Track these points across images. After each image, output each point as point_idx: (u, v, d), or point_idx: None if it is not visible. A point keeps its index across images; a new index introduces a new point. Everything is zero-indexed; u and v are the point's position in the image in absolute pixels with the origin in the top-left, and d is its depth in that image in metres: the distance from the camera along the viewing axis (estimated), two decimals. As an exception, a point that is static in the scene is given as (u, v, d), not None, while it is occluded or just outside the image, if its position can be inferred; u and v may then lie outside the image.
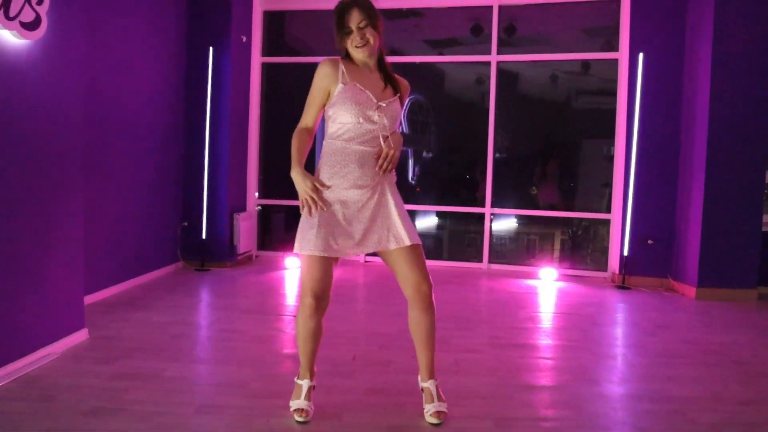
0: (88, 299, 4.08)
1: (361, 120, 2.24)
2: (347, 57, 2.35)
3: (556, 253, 6.34)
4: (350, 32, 2.26)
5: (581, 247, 6.25)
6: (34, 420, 2.30)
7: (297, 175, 2.25)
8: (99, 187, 4.29)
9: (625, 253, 5.46)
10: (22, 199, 2.79)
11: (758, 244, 4.98)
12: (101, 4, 4.25)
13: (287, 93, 6.83)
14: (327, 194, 2.27)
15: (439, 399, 2.37)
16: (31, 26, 2.69)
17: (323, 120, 2.41)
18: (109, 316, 3.83)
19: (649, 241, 5.45)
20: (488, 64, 6.03)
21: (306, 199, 2.25)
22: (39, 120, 2.89)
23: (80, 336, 3.27)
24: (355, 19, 2.22)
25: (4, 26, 2.53)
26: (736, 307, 4.68)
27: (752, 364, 3.26)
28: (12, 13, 2.55)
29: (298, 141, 2.30)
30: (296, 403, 2.34)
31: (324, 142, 2.39)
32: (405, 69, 6.38)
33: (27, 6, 2.64)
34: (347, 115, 2.25)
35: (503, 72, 6.15)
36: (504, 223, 6.41)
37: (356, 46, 2.26)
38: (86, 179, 3.83)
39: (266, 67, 6.49)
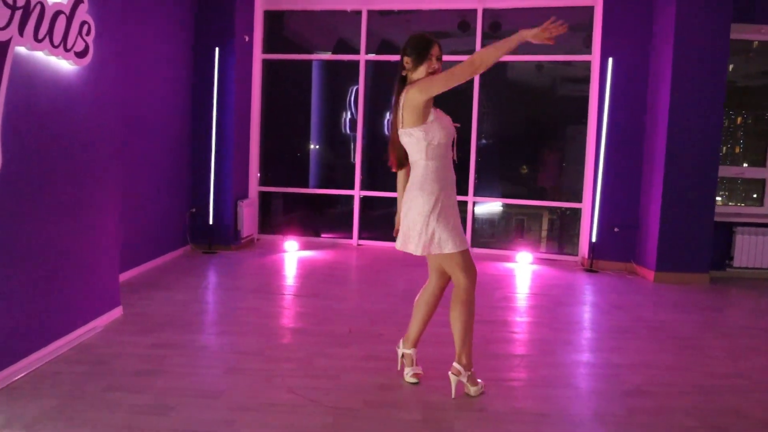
0: (117, 280, 4.63)
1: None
2: (402, 81, 2.81)
3: (544, 234, 6.92)
4: (430, 59, 2.75)
5: (569, 228, 6.79)
6: (97, 378, 2.86)
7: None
8: (123, 181, 4.81)
9: (594, 239, 6.06)
10: (70, 196, 3.31)
11: (711, 232, 5.58)
12: (123, 21, 4.71)
13: (285, 87, 7.34)
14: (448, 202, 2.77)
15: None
16: (81, 54, 3.20)
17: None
18: (136, 294, 4.38)
19: (615, 229, 6.05)
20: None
21: None
22: (87, 129, 3.41)
23: (117, 312, 3.83)
24: (436, 51, 2.78)
25: (64, 57, 3.04)
26: (688, 290, 5.29)
27: (687, 338, 3.88)
28: (69, 45, 3.06)
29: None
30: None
31: (426, 163, 2.73)
32: (395, 62, 6.89)
33: (79, 37, 3.14)
34: (442, 136, 2.74)
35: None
36: (489, 206, 6.97)
37: (432, 71, 2.76)
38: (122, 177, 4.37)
39: (266, 64, 6.97)
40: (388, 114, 7.09)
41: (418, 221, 2.70)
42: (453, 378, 2.79)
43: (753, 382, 3.13)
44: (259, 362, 3.16)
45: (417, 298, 3.00)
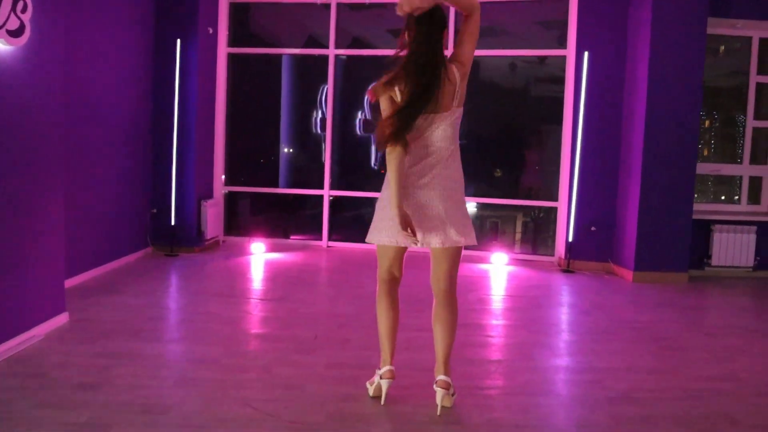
0: (66, 284, 4.31)
1: None
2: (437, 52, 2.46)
3: (518, 236, 6.75)
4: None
5: (543, 230, 6.62)
6: (28, 394, 2.57)
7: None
8: (73, 177, 4.49)
9: (570, 238, 5.90)
10: (6, 191, 3.01)
11: (689, 230, 5.46)
12: (74, 4, 4.41)
13: (254, 84, 7.05)
14: None
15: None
16: (16, 33, 2.90)
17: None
18: (87, 300, 4.07)
19: (592, 228, 5.89)
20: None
21: None
22: (23, 118, 3.11)
23: (62, 319, 3.52)
24: None
25: (-7, 35, 2.74)
26: (667, 289, 5.15)
27: (667, 339, 3.71)
28: (0, 22, 2.76)
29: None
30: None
31: (456, 148, 2.54)
32: (369, 59, 6.67)
33: (12, 14, 2.85)
34: None
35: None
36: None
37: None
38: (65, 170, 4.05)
39: (232, 58, 6.68)
40: (360, 113, 6.86)
41: (464, 209, 2.52)
42: (441, 392, 2.49)
43: (742, 385, 2.96)
44: (214, 372, 2.90)
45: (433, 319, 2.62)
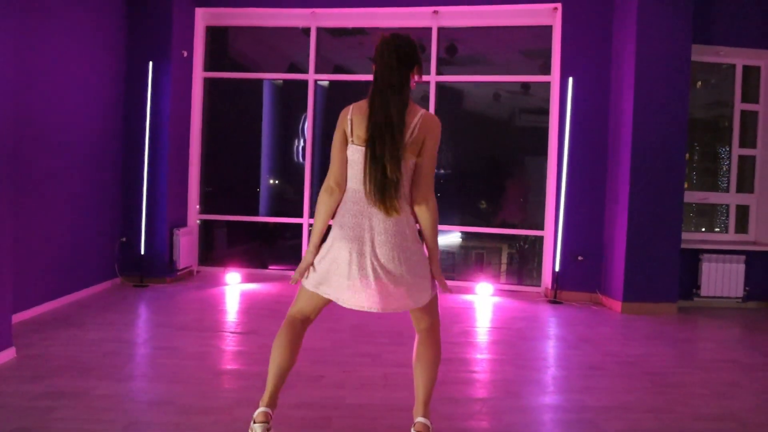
0: (17, 317, 4.01)
1: None
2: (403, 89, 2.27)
3: (503, 268, 6.55)
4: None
5: (528, 261, 6.44)
6: (-46, 442, 2.28)
7: None
8: (30, 203, 4.23)
9: (557, 268, 5.70)
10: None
11: (678, 260, 5.29)
12: (32, 12, 4.21)
13: (233, 111, 6.86)
14: None
15: None
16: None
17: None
18: (39, 334, 3.77)
19: (579, 258, 5.71)
20: (428, 83, 6.22)
21: None
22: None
23: (7, 355, 3.22)
24: None
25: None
26: (657, 321, 4.95)
27: (662, 374, 3.48)
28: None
29: None
30: None
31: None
32: (351, 86, 6.53)
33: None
34: None
35: (447, 89, 6.35)
36: (448, 238, 6.58)
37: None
38: (16, 194, 3.78)
39: (209, 82, 6.50)
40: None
41: (422, 266, 2.23)
42: None
43: (744, 426, 2.74)
44: (167, 414, 2.61)
45: (414, 359, 2.38)
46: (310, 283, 2.28)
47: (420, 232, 2.28)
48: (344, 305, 2.21)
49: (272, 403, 2.27)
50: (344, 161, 2.24)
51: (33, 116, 4.23)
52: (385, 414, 2.68)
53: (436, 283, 2.31)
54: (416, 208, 2.23)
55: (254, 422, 2.22)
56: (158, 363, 3.37)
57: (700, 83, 6.09)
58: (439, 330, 2.37)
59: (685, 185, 6.11)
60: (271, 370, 2.28)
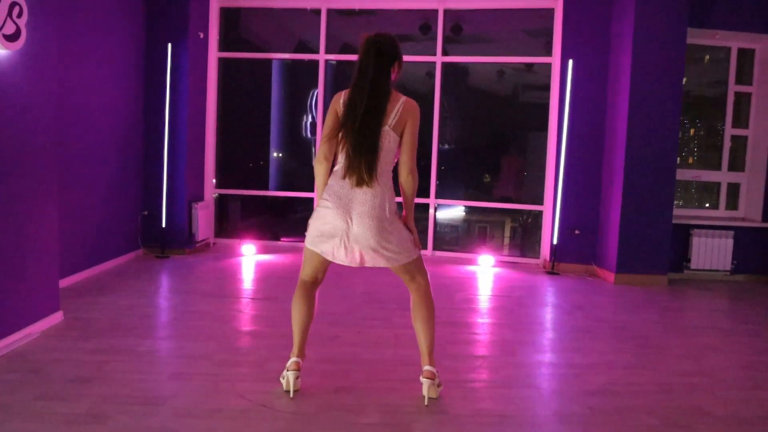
0: (60, 284, 4.37)
1: None
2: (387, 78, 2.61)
3: (506, 241, 6.89)
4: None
5: (531, 234, 6.76)
6: (28, 387, 2.64)
7: None
8: (65, 180, 4.56)
9: (555, 241, 6.04)
10: (2, 194, 3.08)
11: (669, 234, 5.62)
12: (63, 9, 4.49)
13: (244, 89, 7.14)
14: None
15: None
16: (12, 38, 2.98)
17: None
18: (80, 299, 4.13)
19: (576, 231, 6.04)
20: (434, 63, 6.49)
21: None
22: (17, 122, 3.18)
23: (56, 317, 3.59)
24: None
25: (-8, 39, 2.83)
26: (647, 291, 5.30)
27: (645, 337, 3.84)
28: (-2, 27, 2.84)
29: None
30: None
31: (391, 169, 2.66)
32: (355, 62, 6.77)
33: (9, 19, 2.93)
34: None
35: (452, 66, 6.61)
36: (451, 212, 6.90)
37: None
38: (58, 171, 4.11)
39: (223, 62, 6.77)
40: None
41: (404, 228, 2.60)
42: (427, 382, 2.62)
43: (714, 380, 3.10)
44: (207, 367, 2.99)
45: (412, 318, 2.73)
46: (308, 240, 2.63)
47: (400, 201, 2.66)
48: (337, 262, 2.57)
49: (301, 354, 2.68)
50: (333, 137, 2.58)
51: (65, 102, 4.54)
52: (396, 368, 3.04)
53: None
54: (401, 177, 2.60)
55: (287, 370, 2.64)
56: (189, 325, 3.74)
57: (708, 57, 6.29)
58: (429, 289, 2.71)
59: (689, 161, 6.43)
60: (295, 327, 2.68)
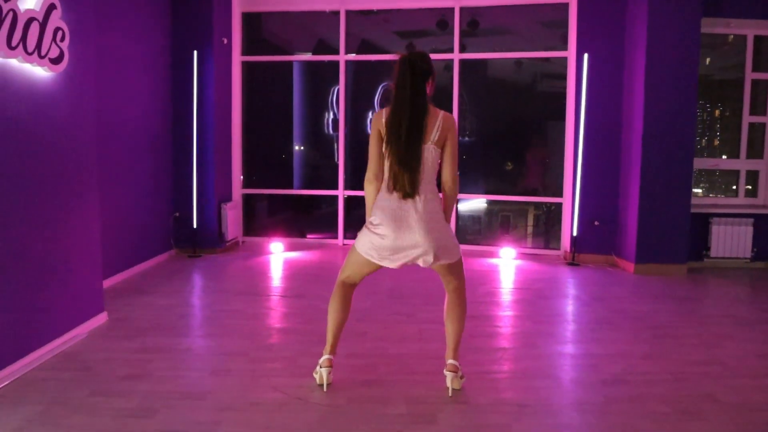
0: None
1: None
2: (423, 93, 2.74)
3: (530, 230, 7.00)
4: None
5: (555, 223, 6.85)
6: (81, 385, 2.88)
7: None
8: (103, 187, 4.81)
9: (575, 233, 6.15)
10: (48, 204, 3.32)
11: (688, 223, 5.69)
12: (99, 21, 4.72)
13: (266, 90, 7.35)
14: None
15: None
16: (56, 61, 3.20)
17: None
18: (120, 300, 4.38)
19: (596, 222, 6.14)
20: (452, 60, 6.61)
21: None
22: (63, 136, 3.42)
23: (101, 318, 3.84)
24: None
25: (38, 63, 3.05)
26: (667, 281, 5.39)
27: (662, 327, 3.96)
28: (43, 52, 3.06)
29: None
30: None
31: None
32: (376, 61, 6.95)
33: (53, 44, 3.15)
34: None
35: (470, 59, 6.71)
36: (473, 203, 7.04)
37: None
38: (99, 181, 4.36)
39: (246, 65, 6.98)
40: (370, 113, 7.13)
41: (444, 226, 2.74)
42: (451, 375, 2.80)
43: (727, 369, 3.22)
44: (244, 363, 3.20)
45: (445, 315, 2.90)
46: (360, 247, 2.77)
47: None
48: (387, 266, 2.72)
49: (333, 351, 2.88)
50: (380, 156, 2.73)
51: (102, 113, 4.77)
52: (422, 361, 3.22)
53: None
54: (446, 188, 2.76)
55: (320, 366, 2.84)
56: (224, 323, 3.96)
57: (732, 37, 6.27)
58: (464, 290, 2.88)
59: (715, 143, 6.46)
60: (330, 326, 2.87)
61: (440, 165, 2.76)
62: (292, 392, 2.81)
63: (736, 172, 6.27)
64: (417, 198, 2.66)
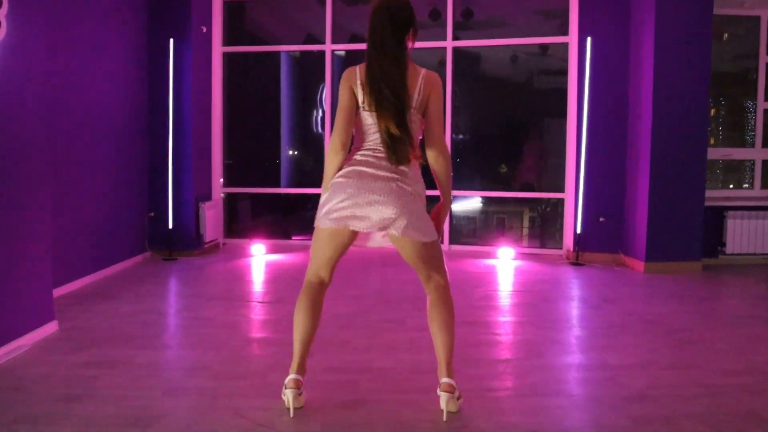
0: (57, 292, 4.18)
1: None
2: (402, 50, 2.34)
3: (525, 231, 6.59)
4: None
5: (551, 224, 6.46)
6: (7, 409, 2.42)
7: None
8: (64, 181, 4.36)
9: (579, 230, 5.72)
10: (-14, 199, 2.87)
11: (701, 218, 5.27)
12: (60, 3, 4.29)
13: (252, 84, 6.91)
14: None
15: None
16: (-12, 30, 2.76)
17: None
18: (79, 307, 3.93)
19: (601, 219, 5.71)
20: (445, 49, 6.19)
21: None
22: (3, 119, 2.96)
23: (50, 328, 3.38)
24: None
25: (-38, 32, 2.60)
26: (680, 280, 4.97)
27: (683, 332, 3.53)
28: (-31, 19, 2.62)
29: None
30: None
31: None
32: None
33: (-17, 10, 2.71)
34: None
35: (464, 53, 6.31)
36: (468, 203, 6.62)
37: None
38: (52, 174, 3.91)
39: (228, 57, 6.54)
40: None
41: (422, 205, 2.33)
42: (446, 396, 2.30)
43: (766, 379, 2.78)
44: (206, 380, 2.74)
45: (429, 321, 2.43)
46: (320, 219, 2.34)
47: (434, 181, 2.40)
48: (353, 228, 2.29)
49: (301, 370, 2.38)
50: (350, 122, 2.31)
51: (62, 97, 4.33)
52: (411, 376, 2.77)
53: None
54: (430, 156, 2.32)
55: (285, 388, 2.35)
56: (192, 332, 3.51)
57: (726, 35, 5.96)
58: (449, 289, 2.41)
59: (711, 141, 6.05)
60: (296, 338, 2.39)
61: (423, 133, 2.33)
62: (256, 417, 2.35)
63: (742, 166, 5.87)
64: (398, 167, 2.27)
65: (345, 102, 2.31)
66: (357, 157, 2.33)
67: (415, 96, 2.27)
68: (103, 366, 2.90)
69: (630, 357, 3.09)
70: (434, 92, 2.30)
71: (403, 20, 2.28)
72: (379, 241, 2.43)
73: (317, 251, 2.40)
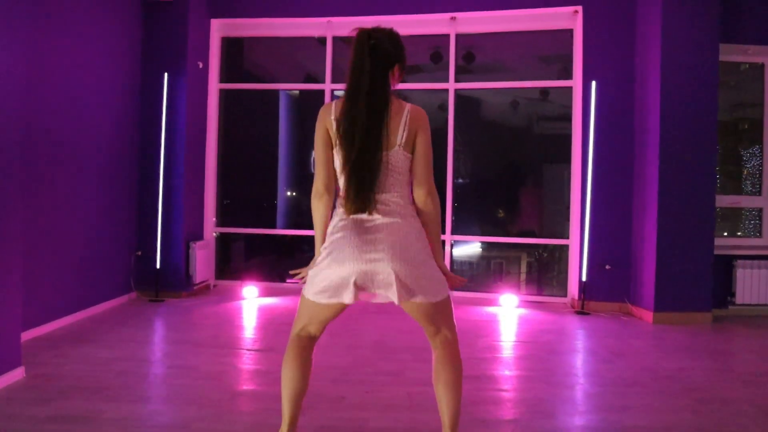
0: (30, 334, 3.93)
1: None
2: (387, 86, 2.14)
3: (523, 277, 6.37)
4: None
5: (548, 270, 6.26)
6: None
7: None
8: (45, 214, 4.15)
9: (584, 278, 5.49)
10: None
11: (711, 268, 5.06)
12: (51, 25, 4.16)
13: (250, 123, 6.76)
14: None
15: None
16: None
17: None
18: (51, 351, 3.66)
19: (607, 266, 5.50)
20: (447, 91, 6.08)
21: None
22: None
23: (16, 375, 3.11)
24: None
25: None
26: (691, 331, 4.72)
27: (703, 390, 3.27)
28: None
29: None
30: None
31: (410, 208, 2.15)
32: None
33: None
34: None
35: (465, 98, 6.20)
36: (468, 248, 6.41)
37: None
38: (29, 207, 3.71)
39: (225, 94, 6.41)
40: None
41: (429, 260, 2.09)
42: None
43: (801, 448, 2.53)
44: (182, 439, 2.47)
45: (434, 380, 2.20)
46: (310, 293, 2.12)
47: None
48: (346, 300, 2.05)
49: (293, 429, 2.14)
50: (329, 162, 2.11)
51: (48, 127, 4.17)
52: (411, 437, 2.51)
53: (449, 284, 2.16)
54: (418, 197, 2.10)
55: None
56: (173, 383, 3.24)
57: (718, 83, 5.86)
58: (457, 344, 2.18)
59: None
60: (284, 395, 2.15)
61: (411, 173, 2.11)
62: (236, 486, 2.09)
63: (744, 213, 5.70)
64: (387, 217, 2.03)
65: (320, 141, 2.11)
66: (337, 220, 2.12)
67: (400, 132, 2.06)
68: (66, 422, 2.62)
69: (649, 419, 2.83)
70: (421, 128, 2.09)
71: (385, 52, 2.08)
72: (384, 297, 2.16)
73: (309, 310, 2.17)
